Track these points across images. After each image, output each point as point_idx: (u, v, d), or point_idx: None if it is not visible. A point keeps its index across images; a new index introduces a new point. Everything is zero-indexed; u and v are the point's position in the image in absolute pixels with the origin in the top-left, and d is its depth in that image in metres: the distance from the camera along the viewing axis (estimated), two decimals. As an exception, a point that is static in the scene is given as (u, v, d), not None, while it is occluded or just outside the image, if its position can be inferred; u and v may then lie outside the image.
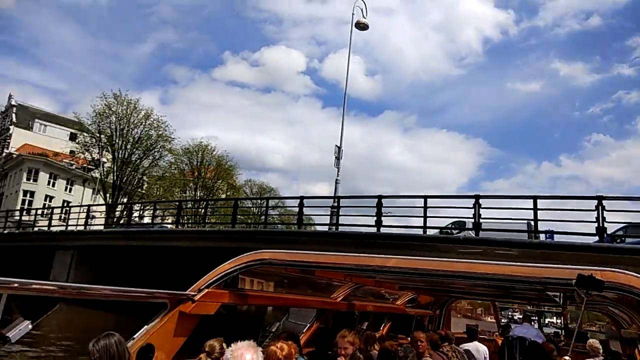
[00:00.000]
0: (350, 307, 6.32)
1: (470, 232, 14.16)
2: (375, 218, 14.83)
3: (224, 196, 43.72)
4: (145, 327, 3.46)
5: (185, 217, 31.24)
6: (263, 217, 26.24)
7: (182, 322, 3.59)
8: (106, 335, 2.63)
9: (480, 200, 13.48)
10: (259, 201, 42.64)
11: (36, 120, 58.18)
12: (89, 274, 20.67)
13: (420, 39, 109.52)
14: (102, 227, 25.63)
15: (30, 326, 2.61)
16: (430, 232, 14.56)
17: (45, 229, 25.36)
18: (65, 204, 40.68)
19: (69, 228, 24.21)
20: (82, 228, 23.89)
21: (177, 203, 24.81)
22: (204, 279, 3.79)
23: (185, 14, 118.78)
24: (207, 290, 3.71)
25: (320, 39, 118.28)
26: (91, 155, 41.29)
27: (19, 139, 54.76)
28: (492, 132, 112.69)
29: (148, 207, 34.16)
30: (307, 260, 3.94)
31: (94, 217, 26.76)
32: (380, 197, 15.00)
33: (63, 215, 27.04)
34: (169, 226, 24.13)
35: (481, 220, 13.26)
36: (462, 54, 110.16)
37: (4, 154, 53.76)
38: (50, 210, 28.05)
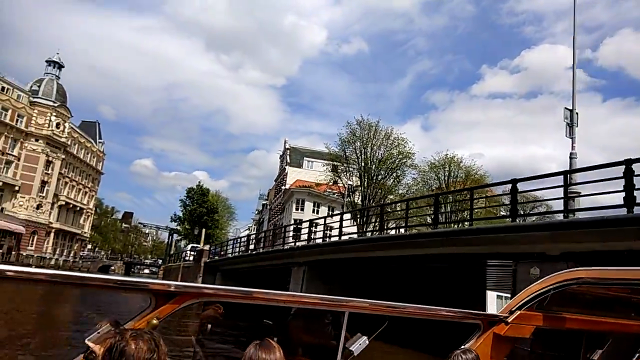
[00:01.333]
0: None
1: None
2: (623, 194, 9.50)
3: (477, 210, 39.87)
4: (462, 348, 3.40)
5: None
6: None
7: (496, 345, 3.49)
8: (467, 350, 2.88)
9: None
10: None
11: (304, 158, 66.56)
12: (321, 289, 20.40)
13: None
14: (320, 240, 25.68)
15: (367, 341, 2.82)
16: None
17: (287, 246, 26.81)
18: (327, 228, 43.96)
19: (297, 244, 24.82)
20: (308, 243, 24.29)
21: (378, 208, 22.63)
22: (515, 299, 3.66)
23: (438, 40, 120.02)
24: (519, 312, 3.57)
25: (590, 25, 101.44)
26: (342, 181, 43.61)
27: (292, 175, 63.41)
28: None
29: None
30: (638, 277, 3.26)
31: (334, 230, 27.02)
32: (628, 162, 9.59)
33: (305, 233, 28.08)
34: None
35: None
36: None
37: (283, 190, 62.64)
38: (282, 229, 29.86)
